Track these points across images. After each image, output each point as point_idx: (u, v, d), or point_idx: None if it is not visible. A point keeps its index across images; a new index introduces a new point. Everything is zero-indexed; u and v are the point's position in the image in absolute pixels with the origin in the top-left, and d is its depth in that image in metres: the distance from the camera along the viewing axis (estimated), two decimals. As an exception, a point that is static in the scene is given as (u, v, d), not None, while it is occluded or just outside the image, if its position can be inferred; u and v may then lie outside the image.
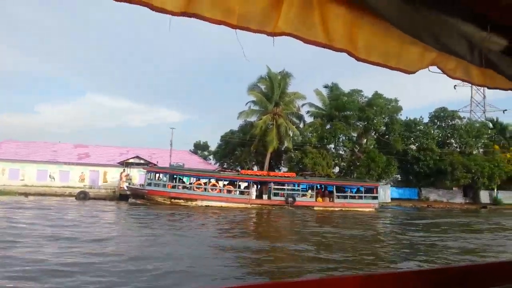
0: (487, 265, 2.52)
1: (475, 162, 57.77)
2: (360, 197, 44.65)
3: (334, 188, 44.00)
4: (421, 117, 65.35)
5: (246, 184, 42.02)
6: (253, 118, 60.59)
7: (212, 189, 39.91)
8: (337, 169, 61.96)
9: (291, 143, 56.88)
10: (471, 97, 78.26)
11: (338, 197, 43.55)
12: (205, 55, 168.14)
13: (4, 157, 52.81)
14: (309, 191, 43.42)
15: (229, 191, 40.41)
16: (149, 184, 39.44)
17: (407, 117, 64.43)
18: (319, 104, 63.38)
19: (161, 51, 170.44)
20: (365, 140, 63.66)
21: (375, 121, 60.37)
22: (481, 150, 63.85)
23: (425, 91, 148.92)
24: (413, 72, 2.30)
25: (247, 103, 59.65)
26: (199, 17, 1.68)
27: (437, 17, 2.09)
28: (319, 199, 42.99)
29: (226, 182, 41.22)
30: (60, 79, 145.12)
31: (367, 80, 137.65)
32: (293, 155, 59.38)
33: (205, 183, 40.40)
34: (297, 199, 41.39)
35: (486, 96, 78.43)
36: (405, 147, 61.30)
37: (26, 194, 43.03)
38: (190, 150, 70.82)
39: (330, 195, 43.50)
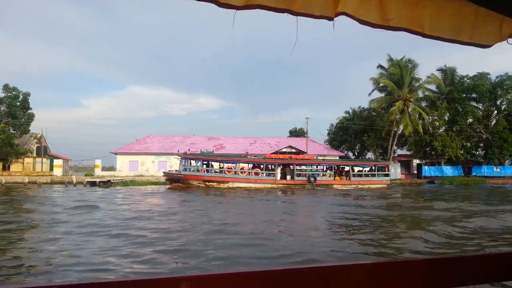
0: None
1: None
2: (373, 175, 46.11)
3: (350, 167, 45.50)
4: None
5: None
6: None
7: (241, 172, 45.93)
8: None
9: (420, 127, 57.94)
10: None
11: (354, 175, 45.30)
12: (240, 43, 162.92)
13: (151, 150, 63.05)
14: (328, 171, 46.08)
15: (256, 174, 45.88)
16: (185, 169, 44.59)
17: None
18: (432, 88, 64.59)
19: (196, 40, 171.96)
20: (492, 121, 62.86)
21: (505, 102, 61.50)
22: None
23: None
24: (489, 46, 2.15)
25: (371, 91, 64.75)
26: (262, 7, 1.72)
27: None
28: (337, 178, 45.52)
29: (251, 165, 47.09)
30: (103, 73, 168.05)
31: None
32: (416, 139, 60.67)
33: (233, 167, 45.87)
34: (318, 178, 44.79)
35: None
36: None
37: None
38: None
39: (347, 174, 45.46)
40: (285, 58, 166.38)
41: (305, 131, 69.42)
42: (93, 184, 47.54)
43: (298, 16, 1.78)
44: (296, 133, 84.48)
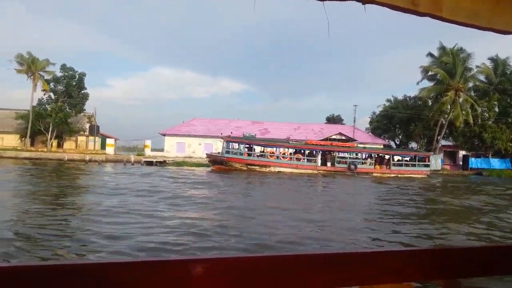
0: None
1: None
2: (414, 165, 46.67)
3: (391, 156, 45.97)
4: None
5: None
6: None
7: (283, 157, 46.63)
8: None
9: (471, 117, 57.31)
10: None
11: (394, 164, 45.85)
12: (264, 25, 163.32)
13: (198, 133, 64.57)
14: (368, 159, 46.48)
15: (298, 159, 46.29)
16: (227, 152, 45.06)
17: None
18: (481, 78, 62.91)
19: (219, 22, 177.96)
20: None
21: None
22: None
23: None
24: (510, 33, 1.95)
25: (420, 80, 63.90)
26: None
27: None
28: (377, 166, 46.00)
29: (293, 151, 47.38)
30: (128, 54, 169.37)
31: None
32: (464, 129, 59.84)
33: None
34: (358, 166, 45.27)
35: None
36: None
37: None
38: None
39: (387, 163, 45.76)
40: (306, 43, 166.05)
41: (343, 119, 69.72)
42: (149, 163, 49.97)
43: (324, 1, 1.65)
44: (334, 120, 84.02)
